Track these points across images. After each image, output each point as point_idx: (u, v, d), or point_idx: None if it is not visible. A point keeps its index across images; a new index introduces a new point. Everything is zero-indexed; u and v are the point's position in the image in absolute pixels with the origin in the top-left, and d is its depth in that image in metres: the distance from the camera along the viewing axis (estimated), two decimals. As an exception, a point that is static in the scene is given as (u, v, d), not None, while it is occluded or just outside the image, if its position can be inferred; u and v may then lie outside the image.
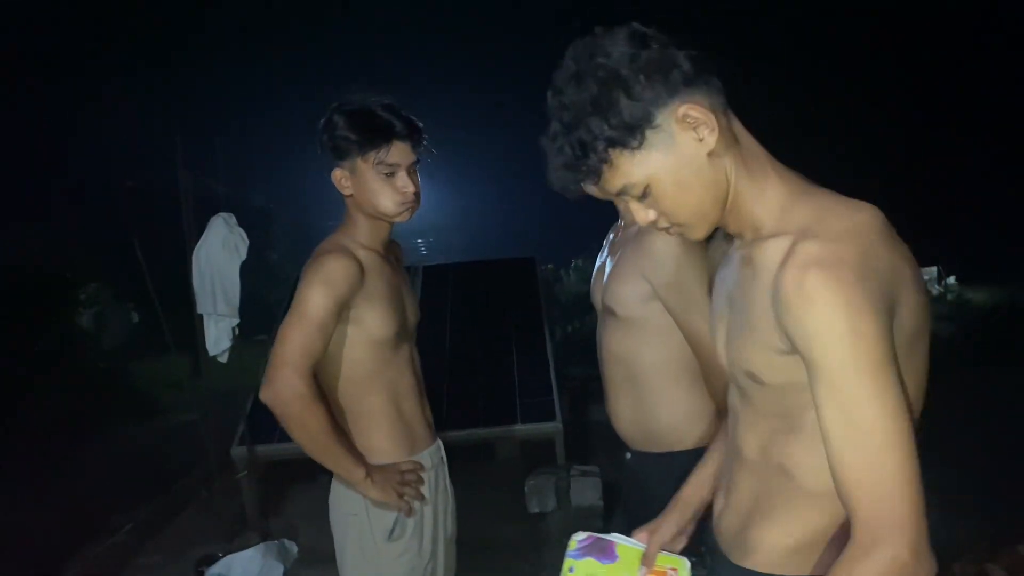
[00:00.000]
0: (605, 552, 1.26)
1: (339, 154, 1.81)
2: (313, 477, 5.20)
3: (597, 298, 1.88)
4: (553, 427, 4.43)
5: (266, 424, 4.50)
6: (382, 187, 1.80)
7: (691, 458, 1.68)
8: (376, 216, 1.85)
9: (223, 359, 4.35)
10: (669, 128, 0.98)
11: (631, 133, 0.98)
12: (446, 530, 2.00)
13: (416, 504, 1.86)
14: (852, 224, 0.91)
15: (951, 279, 26.24)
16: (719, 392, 1.60)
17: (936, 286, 26.17)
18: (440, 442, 2.04)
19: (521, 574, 3.61)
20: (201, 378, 4.50)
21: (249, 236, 4.32)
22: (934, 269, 27.01)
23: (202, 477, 5.12)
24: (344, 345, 1.79)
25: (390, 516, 1.83)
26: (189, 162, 4.39)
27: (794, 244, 0.90)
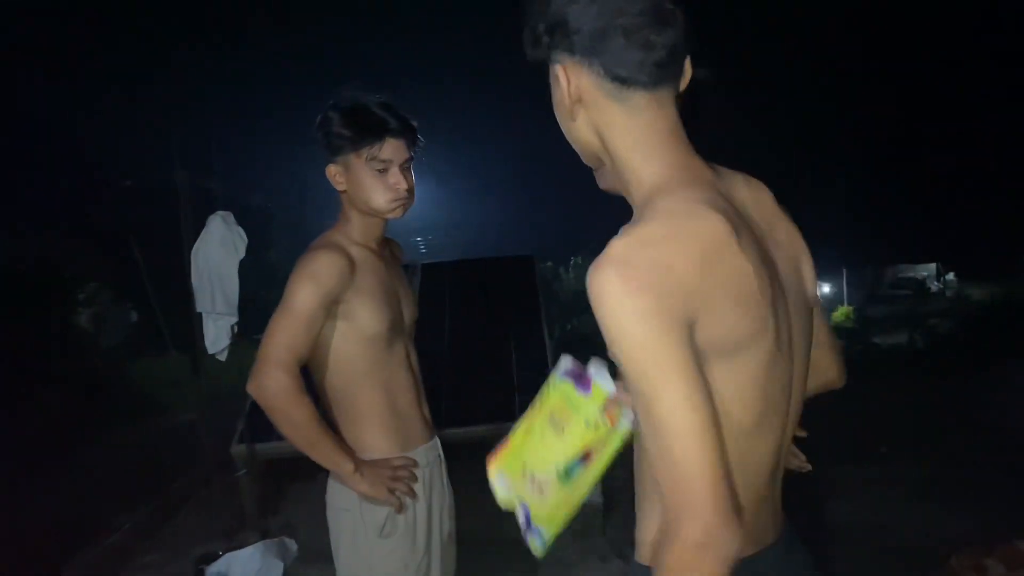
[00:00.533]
0: (582, 383, 1.30)
1: (333, 150, 1.83)
2: (312, 475, 5.20)
3: None
4: (551, 425, 4.43)
5: (265, 422, 4.49)
6: (374, 183, 1.82)
7: None
8: (369, 212, 1.86)
9: (222, 357, 4.35)
10: (554, 71, 1.06)
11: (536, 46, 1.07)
12: (443, 528, 2.00)
13: (408, 501, 1.86)
14: (676, 229, 0.94)
15: (950, 275, 26.30)
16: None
17: (935, 282, 26.22)
18: (437, 439, 2.04)
19: (520, 572, 3.61)
20: (200, 376, 4.50)
21: (248, 234, 4.32)
22: (933, 266, 27.08)
23: (201, 475, 5.12)
24: (335, 340, 1.80)
25: (381, 512, 1.83)
26: (187, 161, 4.40)
27: (614, 239, 0.95)
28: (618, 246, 0.92)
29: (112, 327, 13.42)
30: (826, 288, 26.10)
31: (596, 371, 1.29)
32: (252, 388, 1.69)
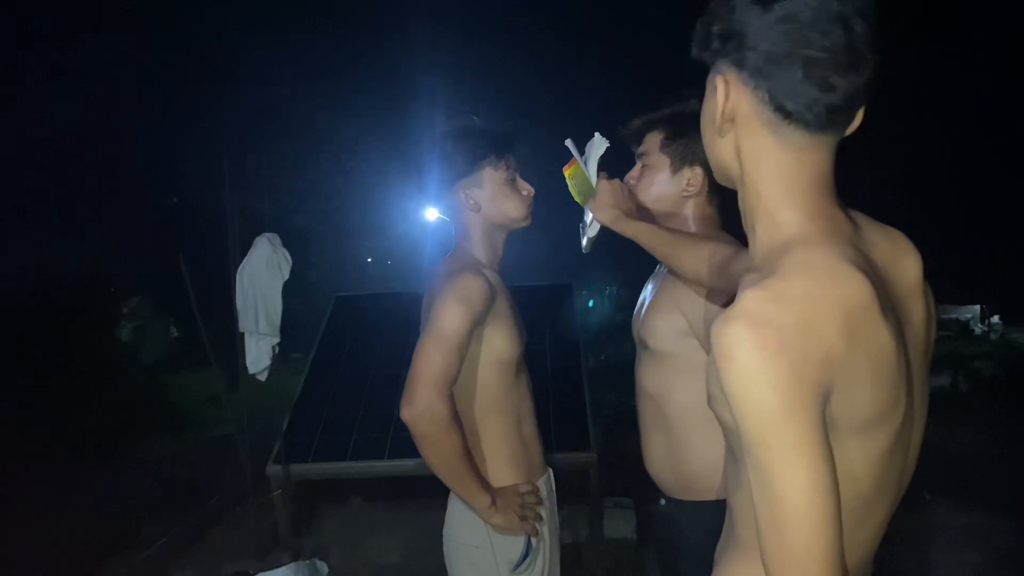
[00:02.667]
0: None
1: (469, 167, 1.83)
2: (345, 498, 5.23)
3: (635, 329, 1.83)
4: (587, 456, 4.40)
5: (302, 443, 4.54)
6: (512, 192, 1.85)
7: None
8: (506, 224, 1.87)
9: (262, 377, 4.39)
10: (714, 80, 0.97)
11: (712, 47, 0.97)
12: (556, 564, 1.94)
13: (539, 529, 1.80)
14: (821, 289, 0.85)
15: (995, 318, 25.74)
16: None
17: (979, 325, 25.67)
18: (551, 472, 1.99)
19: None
20: (239, 394, 4.55)
21: (290, 255, 4.38)
22: (977, 308, 26.52)
23: (236, 493, 5.16)
24: (472, 366, 1.76)
25: (516, 548, 1.77)
26: (235, 181, 4.47)
27: (746, 288, 0.87)
28: (752, 300, 0.84)
29: (153, 342, 13.65)
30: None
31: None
32: (407, 415, 1.62)
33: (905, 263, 1.01)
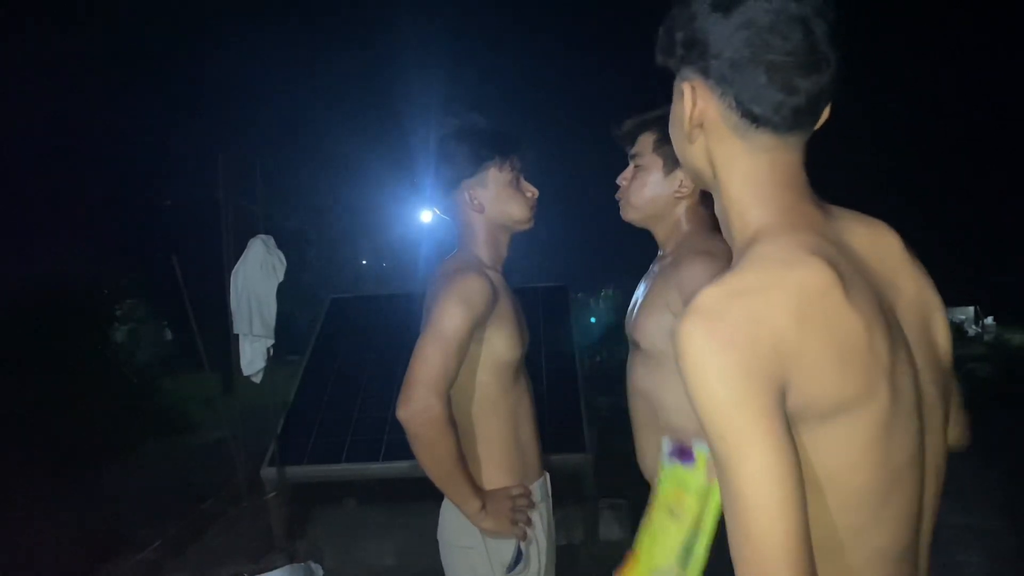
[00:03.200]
0: (686, 457, 1.31)
1: (473, 167, 1.83)
2: (340, 501, 5.22)
3: (628, 329, 1.82)
4: (582, 458, 4.40)
5: (297, 445, 4.53)
6: (515, 193, 1.85)
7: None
8: (508, 226, 1.87)
9: (257, 379, 4.39)
10: (680, 87, 0.99)
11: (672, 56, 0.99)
12: (553, 567, 1.93)
13: (531, 537, 1.79)
14: (773, 278, 0.86)
15: (989, 319, 25.81)
16: None
17: (973, 326, 25.74)
18: (548, 475, 1.98)
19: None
20: (233, 397, 4.54)
21: (285, 257, 4.37)
22: (971, 309, 26.60)
23: (231, 496, 5.14)
24: (472, 367, 1.75)
25: (508, 550, 1.76)
26: (230, 183, 4.46)
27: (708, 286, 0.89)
28: (706, 296, 0.85)
29: (147, 344, 13.61)
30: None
31: (698, 440, 1.25)
32: (404, 414, 1.60)
33: (884, 242, 1.02)
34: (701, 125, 0.97)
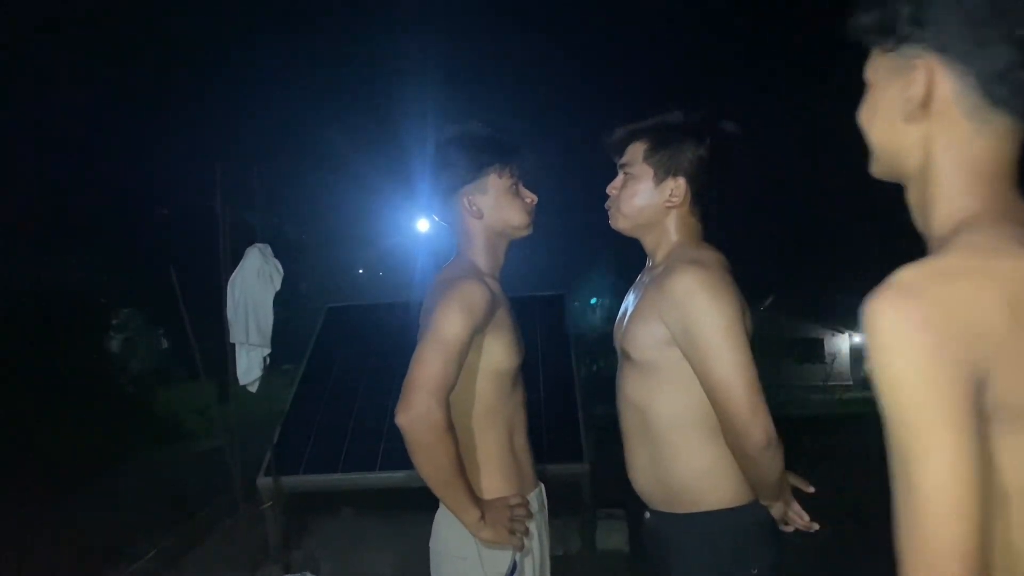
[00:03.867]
0: None
1: (473, 173, 1.82)
2: (336, 511, 5.20)
3: (617, 339, 1.81)
4: (579, 468, 4.39)
5: (293, 454, 4.51)
6: (514, 200, 1.85)
7: (712, 520, 1.62)
8: (506, 233, 1.87)
9: (253, 388, 4.37)
10: (908, 63, 0.93)
11: None
12: None
13: (527, 548, 1.76)
14: (983, 264, 0.78)
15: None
16: (743, 454, 1.53)
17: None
18: (543, 486, 1.95)
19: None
20: (229, 406, 4.52)
21: (281, 266, 4.36)
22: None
23: (226, 506, 5.12)
24: (470, 375, 1.73)
25: (503, 562, 1.73)
26: (228, 192, 4.45)
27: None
28: (906, 273, 0.79)
29: (143, 353, 13.58)
30: (856, 339, 25.78)
31: None
32: (402, 420, 1.57)
33: None
34: (927, 106, 0.89)
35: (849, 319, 25.50)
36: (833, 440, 8.91)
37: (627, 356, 1.73)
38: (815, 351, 24.86)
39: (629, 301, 1.81)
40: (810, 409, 14.58)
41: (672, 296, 1.59)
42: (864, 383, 21.19)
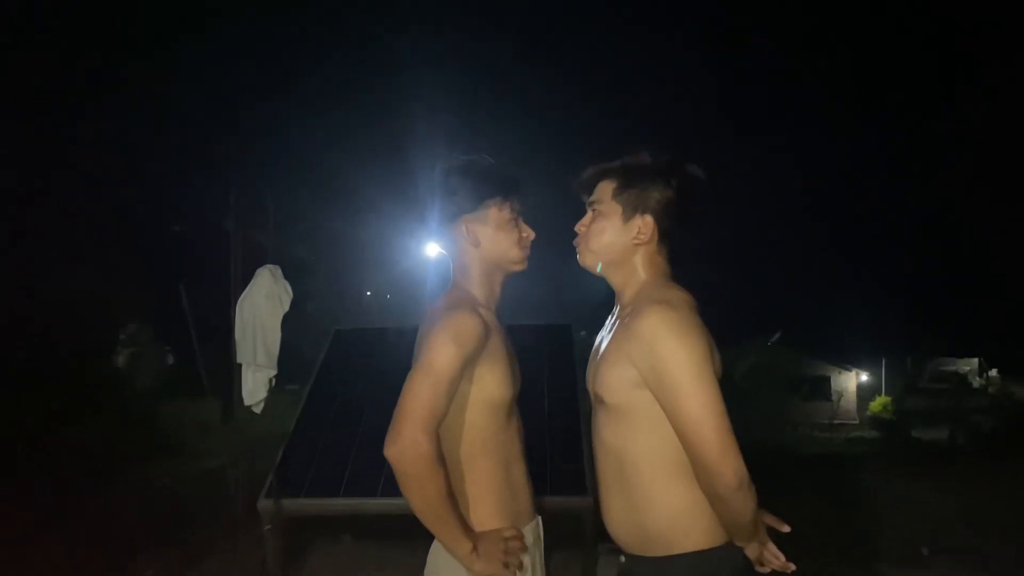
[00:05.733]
0: None
1: (474, 203, 1.84)
2: (335, 536, 5.17)
3: (589, 382, 1.80)
4: (582, 501, 4.35)
5: (295, 477, 4.49)
6: (512, 234, 1.86)
7: (687, 563, 1.61)
8: (503, 266, 1.88)
9: (258, 409, 4.37)
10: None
11: None
12: None
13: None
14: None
15: (993, 372, 25.64)
16: (715, 495, 1.53)
17: (977, 378, 25.56)
18: (540, 519, 1.93)
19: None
20: (232, 425, 4.52)
21: (291, 288, 4.38)
22: (975, 360, 26.44)
23: (226, 526, 5.09)
24: (462, 406, 1.73)
25: None
26: (241, 213, 4.49)
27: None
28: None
29: (149, 368, 13.60)
30: (863, 377, 25.62)
31: None
32: (391, 451, 1.57)
33: None
34: None
35: (857, 357, 25.38)
36: (834, 479, 8.84)
37: (599, 400, 1.73)
38: (821, 388, 24.68)
39: (600, 342, 1.81)
40: (816, 447, 14.47)
41: (640, 337, 1.60)
42: (871, 422, 21.07)
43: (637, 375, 1.61)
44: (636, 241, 1.75)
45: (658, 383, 1.57)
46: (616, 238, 1.77)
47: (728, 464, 1.50)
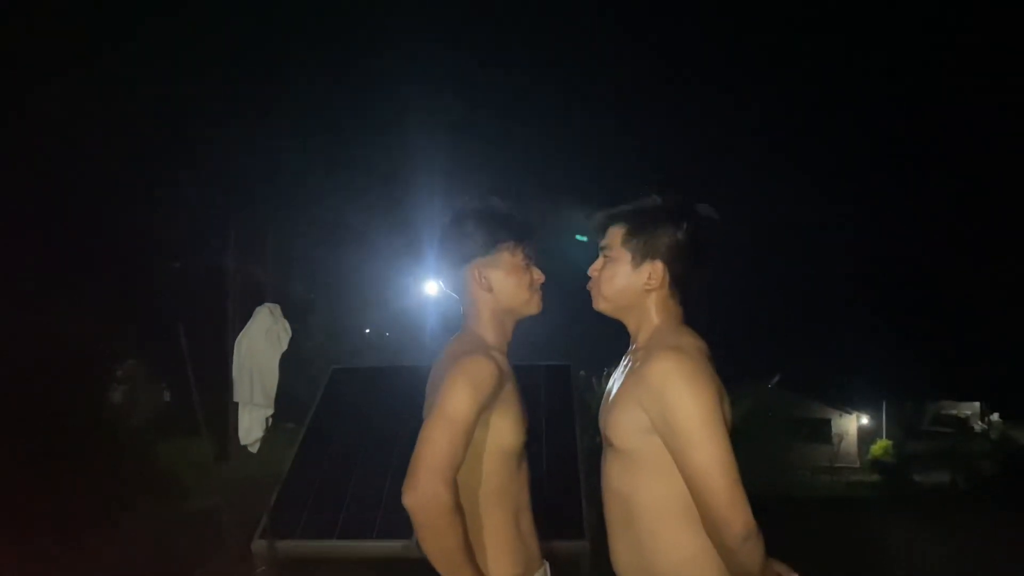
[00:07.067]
0: None
1: (484, 249, 1.84)
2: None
3: (601, 425, 1.79)
4: (580, 546, 4.29)
5: (289, 518, 4.43)
6: (524, 278, 1.86)
7: None
8: (513, 310, 1.87)
9: (254, 449, 4.34)
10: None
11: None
12: None
13: None
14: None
15: (995, 416, 25.50)
16: (722, 545, 1.52)
17: (979, 422, 25.42)
18: (548, 565, 1.91)
19: None
20: (228, 464, 4.48)
21: (290, 326, 4.37)
22: (976, 405, 26.31)
23: (220, 567, 5.02)
24: (476, 453, 1.71)
25: None
26: (240, 251, 4.50)
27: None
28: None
29: (143, 406, 13.53)
30: (864, 420, 25.46)
31: None
32: (411, 502, 1.54)
33: None
34: None
35: (857, 399, 25.26)
36: (836, 524, 8.76)
37: (609, 443, 1.73)
38: (822, 431, 24.51)
39: (613, 384, 1.81)
40: (817, 491, 14.35)
41: (650, 384, 1.60)
42: (872, 466, 20.91)
43: (647, 421, 1.61)
44: (647, 287, 1.76)
45: (667, 431, 1.57)
46: (627, 284, 1.78)
47: (736, 515, 1.48)
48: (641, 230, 1.76)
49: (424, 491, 1.54)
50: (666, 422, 1.57)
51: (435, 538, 1.56)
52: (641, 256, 1.75)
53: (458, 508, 1.58)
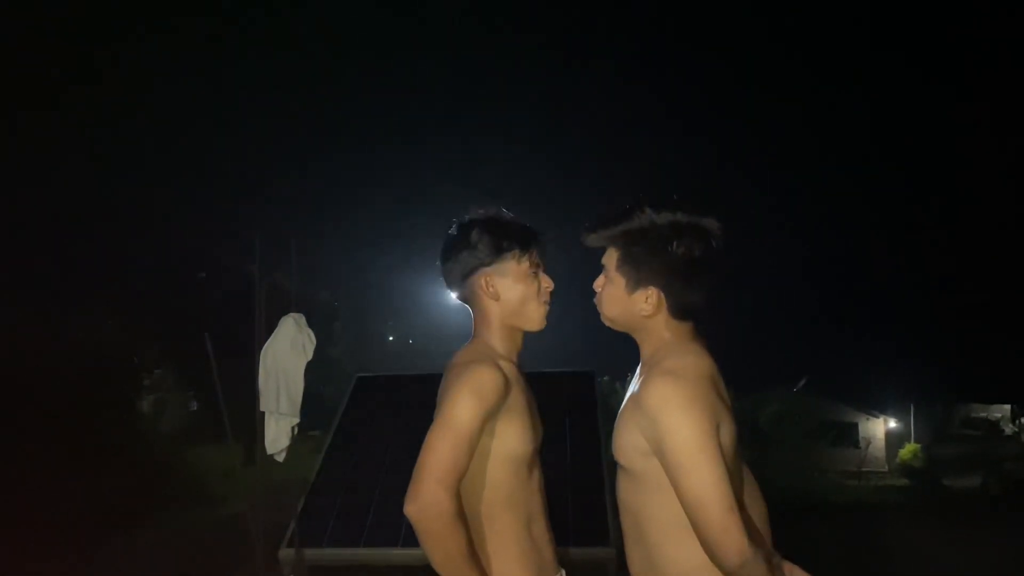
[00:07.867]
0: None
1: (495, 256, 1.84)
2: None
3: (612, 445, 1.80)
4: (605, 552, 4.28)
5: (316, 526, 4.46)
6: (532, 287, 1.86)
7: None
8: (521, 319, 1.87)
9: (280, 458, 4.37)
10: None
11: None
12: None
13: None
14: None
15: (1025, 418, 25.06)
16: (720, 567, 1.51)
17: (1009, 425, 25.00)
18: (564, 572, 1.90)
19: None
20: (254, 472, 4.51)
21: (315, 335, 4.40)
22: (1008, 407, 25.88)
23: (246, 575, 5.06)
24: (483, 460, 1.72)
25: None
26: (266, 261, 4.54)
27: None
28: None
29: (171, 415, 13.67)
30: (892, 423, 25.15)
31: None
32: (411, 509, 1.56)
33: None
34: None
35: (885, 403, 24.96)
36: (865, 528, 8.66)
37: (618, 462, 1.74)
38: (849, 435, 24.24)
39: (624, 402, 1.79)
40: (844, 495, 14.18)
41: (646, 409, 1.60)
42: (900, 470, 20.61)
43: (646, 444, 1.62)
44: (644, 313, 1.74)
45: (662, 456, 1.57)
46: (624, 309, 1.77)
47: (731, 542, 1.47)
48: (633, 258, 1.73)
49: (426, 499, 1.56)
50: (660, 449, 1.57)
51: (438, 545, 1.57)
52: (635, 283, 1.73)
53: (460, 515, 1.59)
